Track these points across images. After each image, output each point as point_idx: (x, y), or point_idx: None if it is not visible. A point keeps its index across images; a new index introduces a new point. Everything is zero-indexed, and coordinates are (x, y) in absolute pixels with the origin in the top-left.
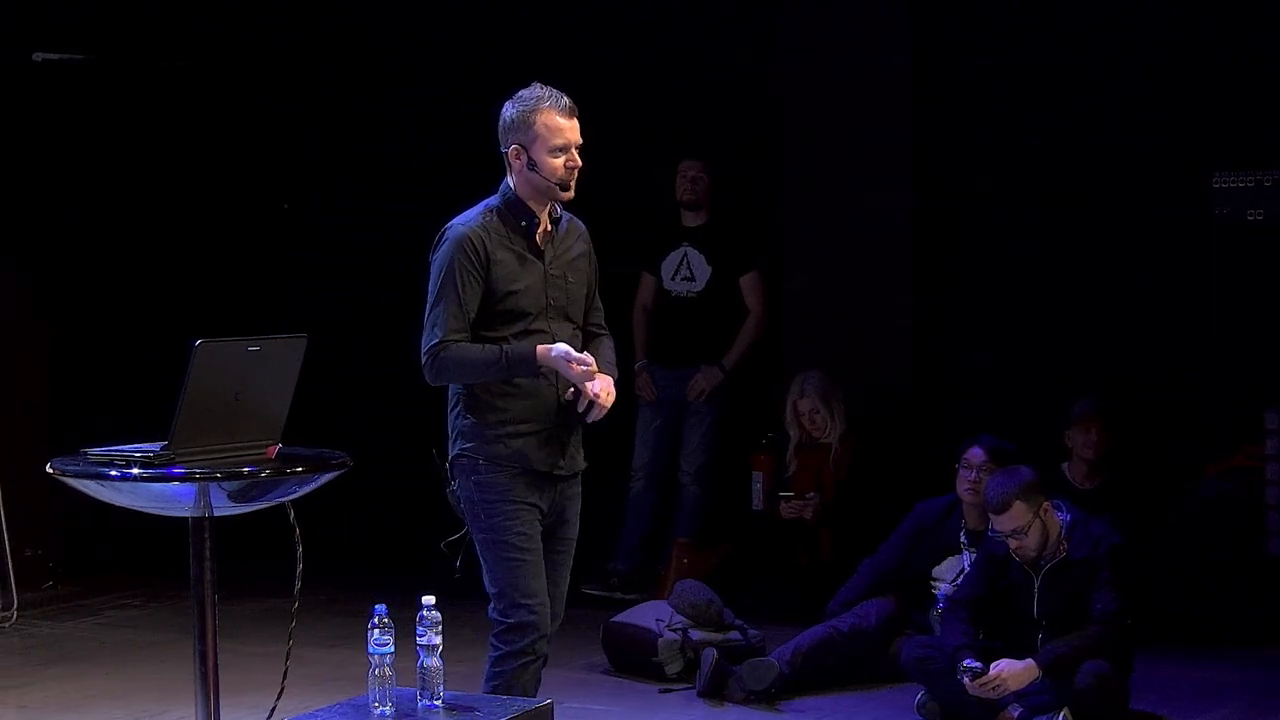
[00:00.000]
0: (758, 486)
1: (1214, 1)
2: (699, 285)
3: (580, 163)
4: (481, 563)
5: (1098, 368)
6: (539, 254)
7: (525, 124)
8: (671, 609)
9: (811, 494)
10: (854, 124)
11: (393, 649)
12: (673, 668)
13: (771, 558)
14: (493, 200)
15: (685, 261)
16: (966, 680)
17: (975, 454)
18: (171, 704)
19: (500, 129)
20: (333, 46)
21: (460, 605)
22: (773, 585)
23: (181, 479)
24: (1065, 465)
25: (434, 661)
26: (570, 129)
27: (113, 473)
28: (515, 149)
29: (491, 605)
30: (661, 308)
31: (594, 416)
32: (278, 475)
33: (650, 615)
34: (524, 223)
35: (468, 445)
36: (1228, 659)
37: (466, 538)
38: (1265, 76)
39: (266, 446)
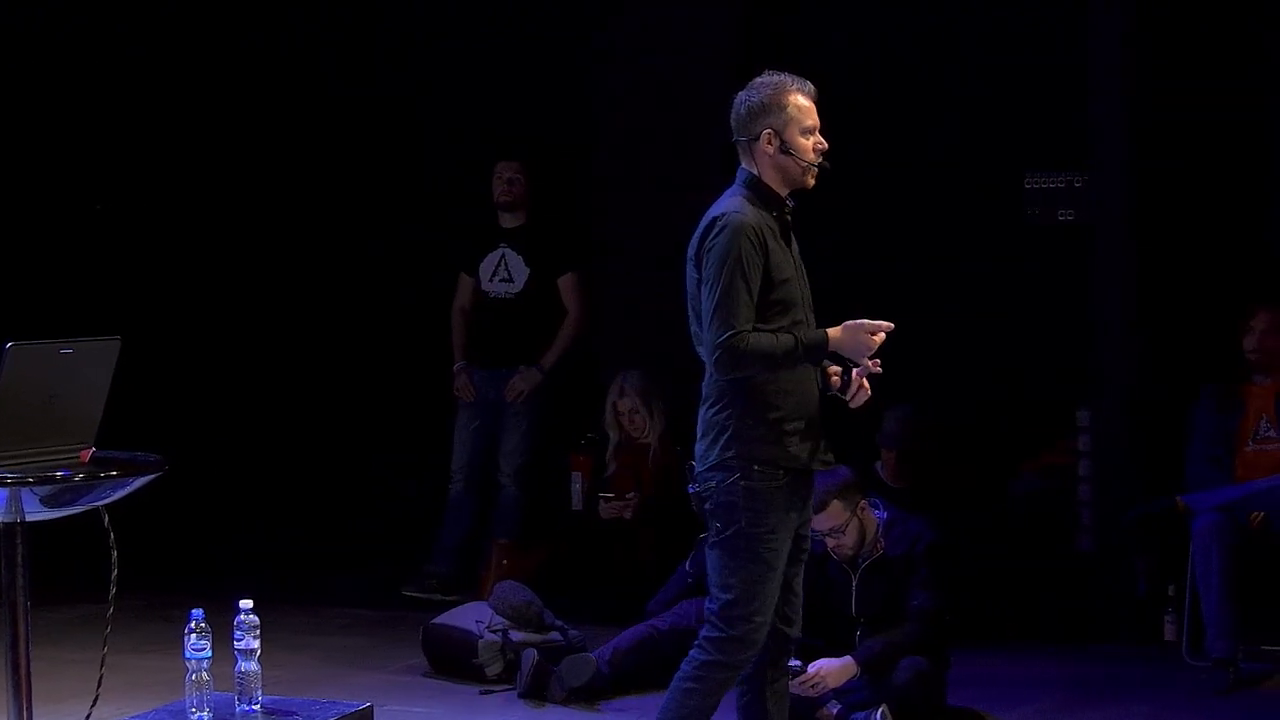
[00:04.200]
0: (577, 487)
1: (1028, 3)
2: (517, 286)
3: (827, 145)
4: (719, 564)
5: (915, 366)
6: (789, 244)
7: (778, 106)
8: (491, 610)
9: (631, 494)
10: (674, 124)
11: (210, 654)
12: (493, 669)
13: (591, 558)
14: (740, 190)
15: (503, 263)
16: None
17: None
18: None
19: (743, 117)
20: (142, 46)
21: (279, 610)
22: (593, 586)
23: None
24: (878, 464)
25: (252, 666)
26: (814, 111)
27: None
28: (768, 134)
29: (715, 607)
30: (479, 309)
31: (859, 402)
32: (91, 479)
33: (470, 617)
34: (775, 212)
35: (742, 447)
36: (1042, 654)
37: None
38: (1075, 78)
39: (80, 450)
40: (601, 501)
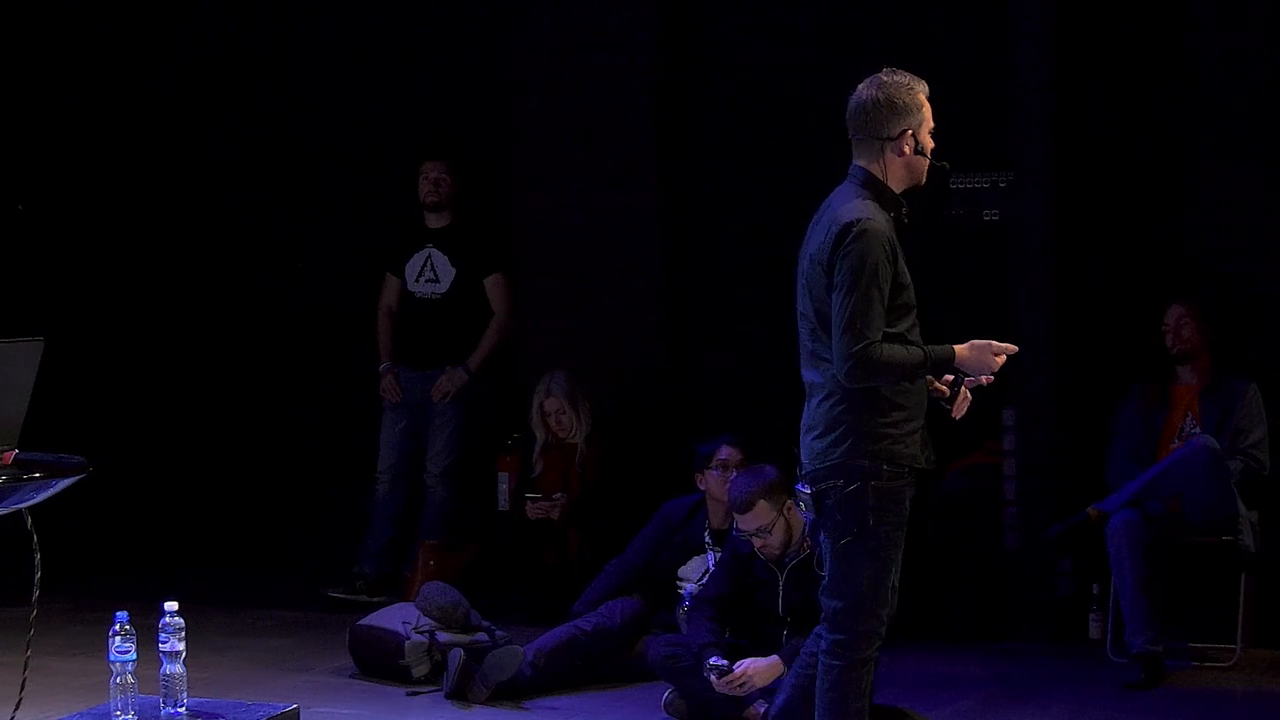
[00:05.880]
0: (504, 487)
1: (950, 5)
2: (443, 287)
3: (933, 144)
4: (842, 566)
5: None
6: (903, 244)
7: (917, 106)
8: (418, 611)
9: (558, 494)
10: (597, 124)
11: (134, 656)
12: (420, 670)
13: (518, 559)
14: (861, 190)
15: (429, 263)
16: (713, 678)
17: (728, 453)
18: None
19: (879, 115)
20: (62, 45)
21: (205, 611)
22: (520, 586)
23: None
24: None
25: (177, 668)
26: None
27: None
28: (909, 134)
29: (835, 616)
30: (405, 309)
31: (961, 412)
32: (14, 482)
33: (397, 618)
34: (891, 214)
35: (873, 445)
36: (968, 651)
37: None
38: (998, 78)
39: (2, 453)
40: (528, 502)
